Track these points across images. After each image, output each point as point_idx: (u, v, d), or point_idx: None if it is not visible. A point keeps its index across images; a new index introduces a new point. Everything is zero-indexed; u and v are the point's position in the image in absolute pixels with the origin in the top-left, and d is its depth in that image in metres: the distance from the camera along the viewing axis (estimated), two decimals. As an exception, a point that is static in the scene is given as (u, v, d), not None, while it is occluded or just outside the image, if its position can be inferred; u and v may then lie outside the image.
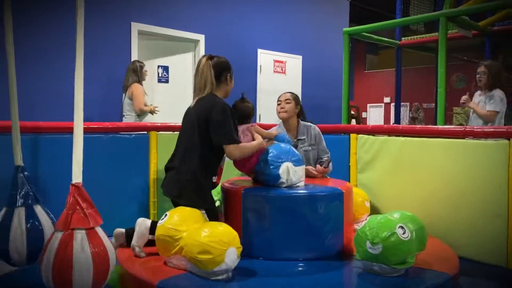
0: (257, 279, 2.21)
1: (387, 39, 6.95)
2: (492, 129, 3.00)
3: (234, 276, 2.15)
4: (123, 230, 2.59)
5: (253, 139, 2.66)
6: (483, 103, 4.01)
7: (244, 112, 2.77)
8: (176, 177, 2.55)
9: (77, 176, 1.98)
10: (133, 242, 2.45)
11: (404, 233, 2.14)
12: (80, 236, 1.88)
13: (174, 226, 2.20)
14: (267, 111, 6.78)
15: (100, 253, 1.91)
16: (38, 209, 2.40)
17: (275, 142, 2.78)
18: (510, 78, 8.13)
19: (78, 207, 1.93)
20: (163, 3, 5.65)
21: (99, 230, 1.98)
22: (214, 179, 2.62)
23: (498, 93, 3.93)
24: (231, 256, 2.07)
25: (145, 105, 4.54)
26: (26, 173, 2.44)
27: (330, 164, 3.11)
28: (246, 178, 2.93)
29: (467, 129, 3.07)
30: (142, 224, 2.47)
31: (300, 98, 3.31)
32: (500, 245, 2.77)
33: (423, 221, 3.12)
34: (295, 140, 3.17)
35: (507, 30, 6.54)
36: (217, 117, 2.46)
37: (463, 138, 3.04)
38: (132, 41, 5.36)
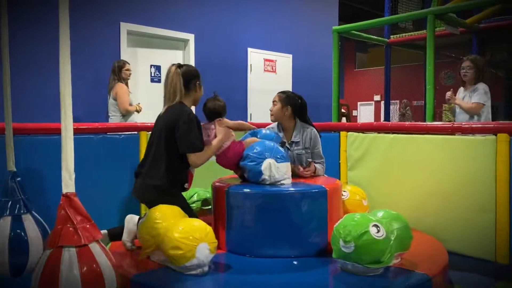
0: (231, 275, 2.25)
1: (376, 37, 6.98)
2: (480, 125, 3.05)
3: (211, 271, 2.21)
4: (105, 231, 2.64)
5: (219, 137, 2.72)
6: (468, 97, 4.04)
7: (215, 109, 2.80)
8: (145, 183, 2.61)
9: (68, 185, 1.78)
10: (123, 237, 2.57)
11: (378, 232, 2.09)
12: (68, 255, 1.67)
13: (152, 224, 2.29)
14: (258, 111, 6.79)
15: (93, 275, 1.68)
16: (27, 219, 2.26)
17: (257, 139, 2.81)
18: (497, 74, 8.24)
19: (69, 221, 1.72)
20: (152, 2, 5.62)
21: (94, 247, 1.76)
22: (186, 185, 2.69)
23: (482, 86, 3.96)
24: (203, 252, 2.12)
25: (130, 104, 4.50)
26: (18, 179, 2.32)
27: (318, 167, 3.03)
28: (234, 176, 2.94)
29: (455, 125, 3.11)
30: (130, 220, 2.58)
31: (296, 98, 3.14)
32: (488, 239, 2.81)
33: (413, 217, 3.17)
34: (289, 142, 3.10)
35: (494, 27, 6.62)
36: (183, 126, 2.52)
37: (452, 134, 3.08)
38: (121, 41, 5.34)
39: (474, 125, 3.04)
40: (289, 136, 3.12)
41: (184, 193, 3.11)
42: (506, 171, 2.75)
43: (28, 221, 2.26)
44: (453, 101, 4.10)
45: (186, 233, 2.13)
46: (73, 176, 1.79)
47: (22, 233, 2.20)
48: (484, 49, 7.34)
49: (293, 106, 3.10)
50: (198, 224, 2.22)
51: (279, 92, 3.17)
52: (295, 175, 2.93)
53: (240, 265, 2.36)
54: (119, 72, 4.48)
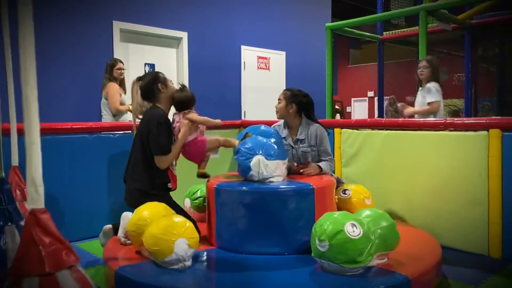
0: (211, 271, 2.33)
1: (369, 34, 7.00)
2: (473, 121, 3.07)
3: (195, 266, 2.26)
4: (110, 225, 2.79)
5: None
6: (422, 97, 4.16)
7: (181, 100, 2.88)
8: (130, 188, 2.76)
9: (34, 200, 1.44)
10: (119, 233, 2.66)
11: (354, 231, 2.05)
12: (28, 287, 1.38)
13: (138, 221, 2.38)
14: (252, 108, 6.79)
15: None
16: (10, 230, 2.07)
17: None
18: (489, 69, 8.29)
19: (33, 245, 1.41)
20: (145, 1, 5.60)
21: (63, 276, 1.43)
22: (169, 185, 2.78)
23: (433, 84, 4.10)
24: (181, 247, 2.16)
25: (122, 104, 4.46)
26: (7, 186, 2.17)
27: (323, 165, 2.96)
28: (234, 173, 2.95)
29: (448, 121, 3.13)
30: (126, 217, 2.65)
31: (302, 96, 3.09)
32: (481, 234, 2.85)
33: (407, 213, 3.20)
34: (294, 140, 3.07)
35: (486, 23, 6.66)
36: (153, 130, 2.67)
37: (444, 130, 3.10)
38: (114, 40, 5.31)
39: (466, 121, 3.06)
40: (294, 134, 3.10)
41: (188, 190, 3.16)
42: (498, 166, 2.78)
43: (10, 233, 2.08)
44: (405, 113, 4.21)
45: (164, 229, 2.20)
46: (41, 188, 1.46)
47: (1, 246, 2.03)
48: (476, 45, 7.38)
49: (298, 104, 3.07)
50: (177, 220, 2.29)
51: (285, 90, 3.16)
52: (292, 172, 2.93)
53: (224, 261, 2.41)
54: (111, 71, 4.44)
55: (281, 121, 3.18)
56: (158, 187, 2.72)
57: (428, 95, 4.07)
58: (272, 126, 3.09)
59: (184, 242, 2.17)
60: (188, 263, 2.22)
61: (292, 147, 3.06)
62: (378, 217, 2.24)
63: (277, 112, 3.11)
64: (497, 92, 8.10)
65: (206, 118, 2.89)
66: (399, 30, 7.35)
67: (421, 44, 4.63)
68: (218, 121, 2.95)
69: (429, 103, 4.06)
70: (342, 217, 2.14)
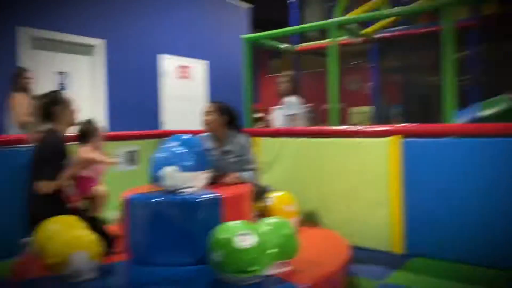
0: (117, 284, 2.36)
1: (284, 46, 7.25)
2: (378, 129, 3.33)
3: (104, 279, 2.26)
4: (29, 239, 2.65)
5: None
6: (286, 108, 4.61)
7: (82, 133, 3.02)
8: (32, 214, 2.65)
9: None
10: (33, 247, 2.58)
11: (244, 241, 2.07)
12: None
13: (42, 235, 2.33)
14: (172, 117, 6.71)
15: None
16: None
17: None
18: (394, 79, 8.99)
19: None
20: (56, 6, 5.33)
21: None
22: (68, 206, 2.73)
23: (294, 98, 4.60)
24: (80, 260, 2.17)
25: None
26: None
27: (244, 174, 3.02)
28: (151, 186, 2.90)
29: (356, 129, 3.38)
30: None
31: (228, 107, 3.14)
32: (385, 232, 3.09)
33: (320, 215, 3.36)
34: (221, 151, 3.08)
35: (388, 37, 7.25)
36: (46, 155, 2.63)
37: (353, 137, 3.33)
38: (20, 47, 4.97)
39: (372, 129, 3.32)
40: (221, 145, 3.10)
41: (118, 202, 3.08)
42: (397, 169, 3.04)
43: None
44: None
45: (63, 243, 2.20)
46: None
47: None
48: (382, 57, 7.97)
49: (229, 115, 3.11)
50: (78, 233, 2.29)
51: (212, 102, 3.14)
52: (215, 181, 2.93)
53: (131, 273, 2.45)
54: (16, 81, 4.16)
55: (207, 134, 3.16)
56: (53, 205, 2.62)
57: (296, 107, 4.47)
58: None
59: (84, 255, 2.17)
60: (90, 275, 2.20)
61: (219, 159, 3.08)
62: (278, 226, 2.27)
63: (207, 124, 3.08)
64: (403, 100, 8.80)
65: (99, 157, 2.92)
66: (312, 43, 7.71)
67: (331, 55, 4.90)
68: (114, 161, 3.07)
69: (292, 115, 4.44)
70: (235, 226, 2.16)
